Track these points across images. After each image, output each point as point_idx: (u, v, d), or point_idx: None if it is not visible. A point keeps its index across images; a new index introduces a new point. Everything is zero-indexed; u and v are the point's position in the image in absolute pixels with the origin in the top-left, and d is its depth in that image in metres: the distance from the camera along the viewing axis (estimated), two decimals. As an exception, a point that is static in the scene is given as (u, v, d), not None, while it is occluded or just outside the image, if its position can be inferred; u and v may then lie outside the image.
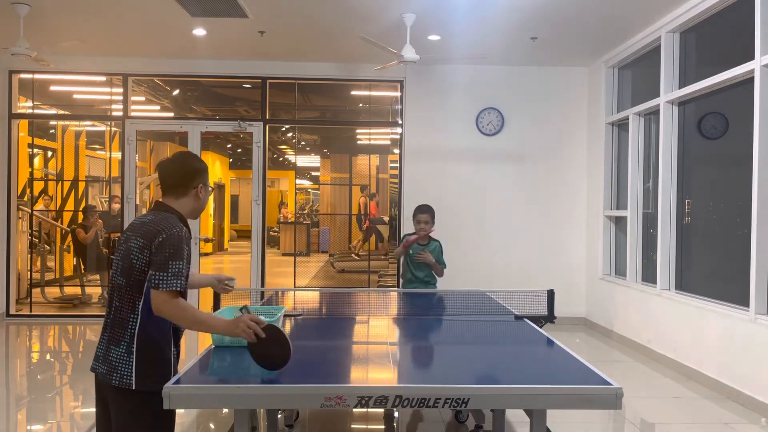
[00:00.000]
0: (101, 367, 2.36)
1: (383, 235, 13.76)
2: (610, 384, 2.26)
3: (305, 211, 21.61)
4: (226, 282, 3.09)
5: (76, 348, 6.78)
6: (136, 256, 2.33)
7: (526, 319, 3.61)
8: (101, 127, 11.48)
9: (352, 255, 14.45)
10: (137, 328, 2.33)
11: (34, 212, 8.87)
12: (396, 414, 4.39)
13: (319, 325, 3.52)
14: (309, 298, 4.61)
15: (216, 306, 3.55)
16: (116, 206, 8.35)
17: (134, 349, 2.32)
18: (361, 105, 9.87)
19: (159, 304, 2.26)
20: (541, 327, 3.45)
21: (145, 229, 2.37)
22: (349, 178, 15.97)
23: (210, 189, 2.61)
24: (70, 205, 11.52)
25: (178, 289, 2.29)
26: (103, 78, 8.03)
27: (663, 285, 5.98)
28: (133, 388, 2.29)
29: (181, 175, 2.49)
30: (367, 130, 12.36)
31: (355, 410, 4.41)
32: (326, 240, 16.63)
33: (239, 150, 18.73)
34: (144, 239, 2.34)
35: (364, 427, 4.33)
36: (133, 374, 2.30)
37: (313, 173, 22.77)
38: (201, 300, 7.64)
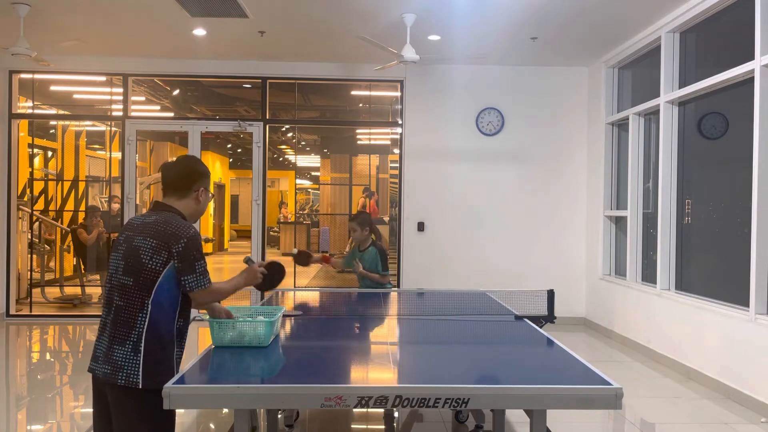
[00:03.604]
0: (103, 367, 2.36)
1: (380, 233, 13.72)
2: (610, 384, 2.26)
3: (305, 211, 21.61)
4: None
5: (76, 348, 6.78)
6: (148, 256, 2.34)
7: (526, 319, 3.61)
8: (101, 127, 11.49)
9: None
10: (146, 326, 2.34)
11: (34, 212, 8.87)
12: (396, 414, 4.39)
13: (319, 325, 3.51)
14: (309, 298, 4.60)
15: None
16: (116, 206, 8.35)
17: (141, 348, 2.33)
18: (361, 105, 9.88)
19: (199, 300, 2.49)
20: (541, 327, 3.45)
21: (154, 229, 2.38)
22: (349, 178, 15.96)
23: (210, 195, 2.66)
24: (70, 205, 11.52)
25: (208, 285, 2.45)
26: (103, 78, 8.04)
27: (663, 285, 5.98)
28: (140, 387, 2.30)
29: (183, 177, 2.55)
30: (367, 130, 12.37)
31: (355, 410, 4.41)
32: (326, 240, 16.62)
33: (239, 150, 18.73)
34: (157, 240, 2.36)
35: (364, 427, 4.32)
36: (140, 373, 2.31)
37: (313, 173, 22.77)
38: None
